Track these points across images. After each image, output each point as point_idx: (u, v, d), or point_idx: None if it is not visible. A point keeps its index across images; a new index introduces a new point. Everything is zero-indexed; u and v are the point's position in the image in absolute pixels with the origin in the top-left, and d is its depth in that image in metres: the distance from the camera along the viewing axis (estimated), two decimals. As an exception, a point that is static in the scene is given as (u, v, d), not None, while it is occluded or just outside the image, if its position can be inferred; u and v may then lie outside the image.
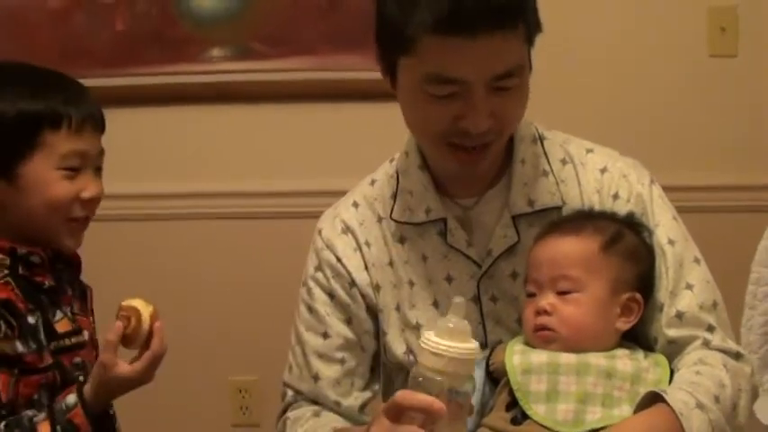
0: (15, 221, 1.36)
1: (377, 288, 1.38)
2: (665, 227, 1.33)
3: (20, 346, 1.30)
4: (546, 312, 1.23)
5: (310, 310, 1.39)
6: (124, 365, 1.29)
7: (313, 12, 2.45)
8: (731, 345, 1.29)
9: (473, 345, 1.07)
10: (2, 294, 1.30)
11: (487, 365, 1.27)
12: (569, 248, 1.25)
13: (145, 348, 1.32)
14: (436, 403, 1.04)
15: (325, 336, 1.38)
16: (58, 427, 1.26)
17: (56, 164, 1.35)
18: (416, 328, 1.36)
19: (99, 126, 1.41)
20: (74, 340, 1.38)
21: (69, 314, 1.39)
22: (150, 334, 1.32)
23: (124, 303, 1.33)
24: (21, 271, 1.35)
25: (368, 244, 1.39)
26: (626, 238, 1.27)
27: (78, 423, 1.26)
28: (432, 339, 1.07)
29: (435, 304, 1.36)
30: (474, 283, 1.34)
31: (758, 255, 1.69)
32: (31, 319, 1.32)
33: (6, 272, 1.33)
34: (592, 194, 1.35)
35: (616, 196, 1.35)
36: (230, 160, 2.49)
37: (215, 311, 2.49)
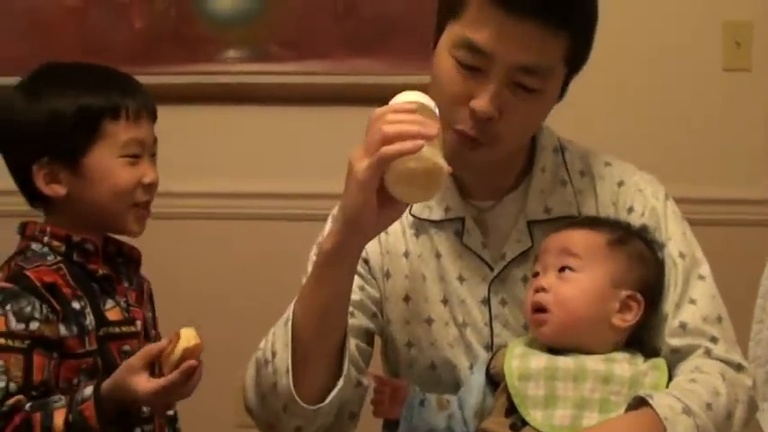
0: (82, 211, 1.42)
1: (387, 275, 1.39)
2: (677, 241, 1.34)
3: (63, 330, 1.35)
4: (544, 290, 1.24)
5: None
6: (142, 378, 1.28)
7: (329, 16, 2.46)
8: (734, 356, 1.29)
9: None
10: (48, 278, 1.36)
11: (488, 369, 1.28)
12: (579, 235, 1.28)
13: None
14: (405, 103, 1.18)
15: None
16: (71, 416, 1.28)
17: (117, 152, 1.41)
18: (428, 323, 1.36)
19: (153, 115, 1.48)
20: (124, 329, 1.42)
21: (122, 304, 1.44)
22: (177, 366, 1.29)
23: (182, 329, 1.31)
24: (75, 258, 1.41)
25: (386, 231, 1.38)
26: (634, 242, 1.29)
27: (87, 415, 1.28)
28: None
29: (444, 301, 1.37)
30: (485, 285, 1.35)
31: (768, 268, 1.69)
32: (75, 305, 1.37)
33: (59, 258, 1.40)
34: (608, 207, 1.36)
35: (631, 209, 1.36)
36: (243, 161, 2.50)
37: (221, 311, 2.49)
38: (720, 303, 1.32)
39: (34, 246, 1.41)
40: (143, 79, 2.64)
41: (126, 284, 1.47)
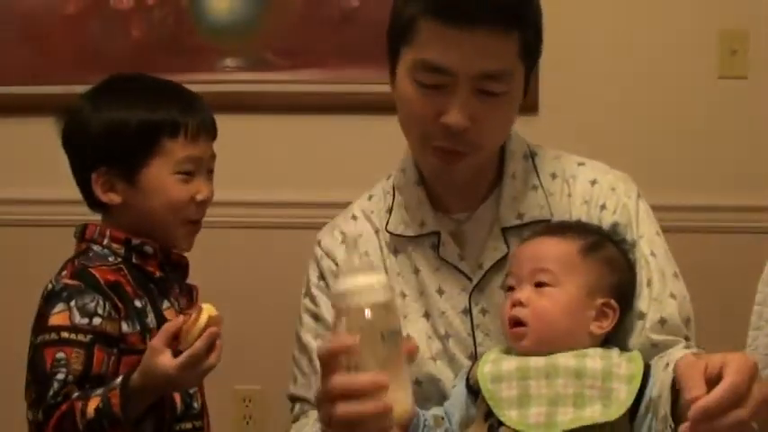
0: (136, 220, 1.46)
1: None
2: (649, 240, 1.35)
3: (125, 327, 1.39)
4: (521, 304, 1.24)
5: (316, 318, 1.40)
6: (167, 357, 1.28)
7: (326, 24, 2.46)
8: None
9: (373, 278, 1.06)
10: (111, 277, 1.40)
11: (468, 381, 1.28)
12: (550, 246, 1.28)
13: None
14: (347, 338, 1.04)
15: None
16: (100, 403, 1.29)
17: (172, 169, 1.45)
18: (407, 340, 1.37)
19: (212, 133, 1.51)
20: None
21: (177, 307, 1.47)
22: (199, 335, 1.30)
23: (203, 304, 1.33)
24: (134, 260, 1.45)
25: (366, 254, 1.39)
26: (606, 248, 1.30)
27: (113, 402, 1.28)
28: (333, 287, 1.09)
29: (426, 316, 1.37)
30: (465, 296, 1.36)
31: (765, 275, 1.69)
32: (138, 303, 1.42)
33: (119, 259, 1.44)
34: (580, 205, 1.37)
35: (603, 207, 1.37)
36: (240, 170, 2.50)
37: (220, 320, 2.49)
38: (690, 304, 1.34)
39: (95, 247, 1.44)
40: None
41: (177, 290, 1.51)
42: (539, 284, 1.25)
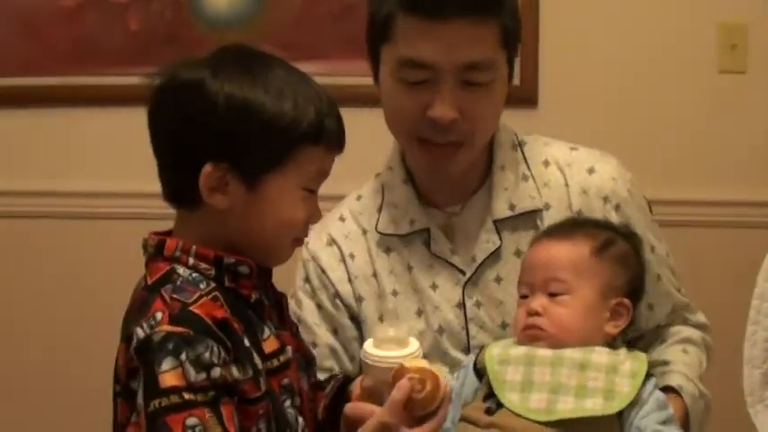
0: (232, 231, 1.16)
1: (359, 300, 1.40)
2: (653, 233, 1.42)
3: (235, 372, 1.11)
4: (537, 314, 1.25)
5: (299, 320, 1.40)
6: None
7: (325, 17, 2.46)
8: (702, 318, 1.44)
9: (404, 351, 1.16)
10: (217, 313, 1.11)
11: (475, 365, 1.29)
12: (561, 252, 1.27)
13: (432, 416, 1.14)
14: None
15: (314, 345, 1.40)
16: None
17: (302, 182, 1.17)
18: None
19: (344, 144, 1.22)
20: (282, 359, 1.19)
21: (273, 330, 1.20)
22: (441, 403, 1.13)
23: (410, 365, 1.15)
24: (227, 283, 1.15)
25: (352, 256, 1.41)
26: (617, 245, 1.30)
27: None
28: (368, 351, 1.16)
29: (419, 312, 1.37)
30: (459, 289, 1.36)
31: (764, 269, 1.69)
32: (246, 342, 1.13)
33: (212, 284, 1.14)
34: (579, 195, 1.38)
35: (606, 199, 1.37)
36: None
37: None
38: (672, 264, 1.42)
39: (180, 270, 1.14)
40: (138, 81, 2.64)
41: (267, 303, 1.22)
42: (553, 294, 1.25)
